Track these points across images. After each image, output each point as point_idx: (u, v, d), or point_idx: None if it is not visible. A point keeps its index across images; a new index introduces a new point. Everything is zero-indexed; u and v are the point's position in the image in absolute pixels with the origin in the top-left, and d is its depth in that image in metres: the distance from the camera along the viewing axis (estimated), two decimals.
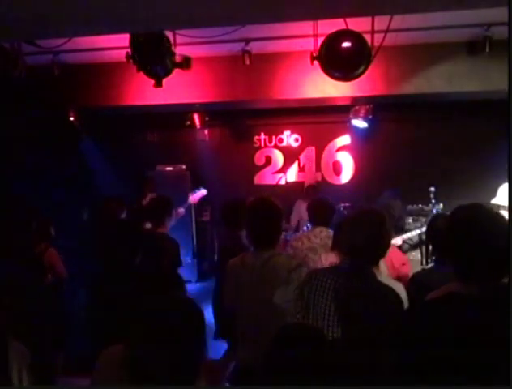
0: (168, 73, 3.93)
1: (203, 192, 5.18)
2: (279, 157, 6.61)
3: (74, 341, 4.37)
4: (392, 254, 2.91)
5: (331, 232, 3.31)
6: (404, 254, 3.19)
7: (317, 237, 3.53)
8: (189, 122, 6.06)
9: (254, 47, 4.67)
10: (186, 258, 6.21)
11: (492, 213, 1.59)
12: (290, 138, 6.58)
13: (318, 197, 4.44)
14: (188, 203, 5.04)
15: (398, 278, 2.79)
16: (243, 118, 6.47)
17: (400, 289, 2.06)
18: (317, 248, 3.46)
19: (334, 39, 3.74)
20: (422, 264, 4.16)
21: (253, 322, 2.55)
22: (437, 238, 2.57)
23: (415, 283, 2.47)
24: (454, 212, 1.64)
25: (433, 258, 2.85)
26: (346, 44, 3.71)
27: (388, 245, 2.05)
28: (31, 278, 3.18)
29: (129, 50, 3.71)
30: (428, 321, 1.50)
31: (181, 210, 4.73)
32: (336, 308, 1.93)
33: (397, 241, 4.02)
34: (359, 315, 1.90)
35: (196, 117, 6.01)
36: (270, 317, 2.46)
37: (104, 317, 2.43)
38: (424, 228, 4.29)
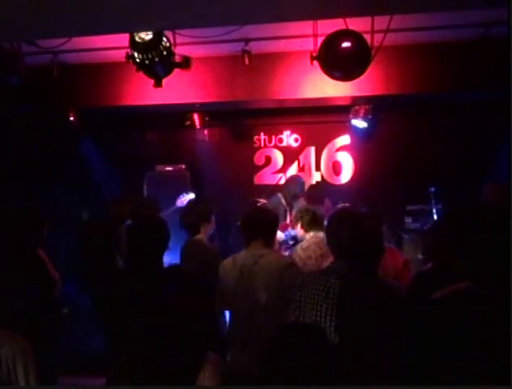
0: (167, 73, 3.93)
1: (191, 196, 5.14)
2: (278, 157, 6.61)
3: (75, 341, 4.37)
4: (388, 256, 2.86)
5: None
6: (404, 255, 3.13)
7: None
8: (188, 122, 6.06)
9: (254, 47, 4.67)
10: None
11: (502, 213, 1.59)
12: (290, 138, 6.58)
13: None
14: (176, 207, 5.04)
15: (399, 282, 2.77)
16: (243, 118, 6.47)
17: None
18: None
19: (333, 39, 3.75)
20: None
21: (244, 322, 2.53)
22: (444, 238, 2.54)
23: (418, 282, 2.45)
24: (463, 212, 1.64)
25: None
26: (346, 44, 3.71)
27: (376, 243, 2.04)
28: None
29: (129, 50, 3.71)
30: (433, 320, 1.50)
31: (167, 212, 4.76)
32: (327, 308, 1.93)
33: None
34: (351, 314, 1.90)
35: (196, 117, 6.01)
36: (262, 317, 2.45)
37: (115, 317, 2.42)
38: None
